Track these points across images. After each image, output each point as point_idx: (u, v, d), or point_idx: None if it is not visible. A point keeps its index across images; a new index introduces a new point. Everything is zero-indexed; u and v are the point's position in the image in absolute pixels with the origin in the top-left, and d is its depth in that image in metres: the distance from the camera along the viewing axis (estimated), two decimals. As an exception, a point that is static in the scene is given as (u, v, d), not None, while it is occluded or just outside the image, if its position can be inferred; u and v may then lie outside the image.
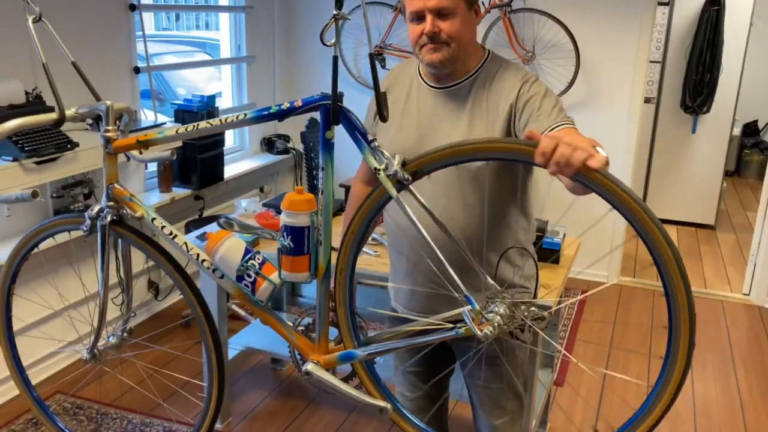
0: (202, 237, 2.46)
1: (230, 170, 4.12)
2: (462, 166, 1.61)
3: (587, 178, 1.06)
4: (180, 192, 3.70)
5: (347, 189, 1.31)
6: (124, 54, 3.41)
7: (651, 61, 5.24)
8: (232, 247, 1.46)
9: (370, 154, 1.27)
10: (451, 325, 1.27)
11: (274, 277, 1.43)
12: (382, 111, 1.29)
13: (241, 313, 3.15)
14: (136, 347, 3.11)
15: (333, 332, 1.45)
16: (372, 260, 2.41)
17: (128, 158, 1.69)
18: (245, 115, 1.38)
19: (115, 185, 1.58)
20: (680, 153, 5.49)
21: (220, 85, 4.62)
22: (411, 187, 1.28)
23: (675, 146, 5.48)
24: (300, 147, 4.53)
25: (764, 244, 4.14)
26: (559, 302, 2.28)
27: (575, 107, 4.23)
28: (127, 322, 1.74)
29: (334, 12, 1.21)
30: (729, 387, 3.26)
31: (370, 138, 1.27)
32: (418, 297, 1.73)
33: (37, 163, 2.65)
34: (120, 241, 1.64)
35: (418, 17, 1.57)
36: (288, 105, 1.33)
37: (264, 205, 2.91)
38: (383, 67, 4.28)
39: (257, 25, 4.40)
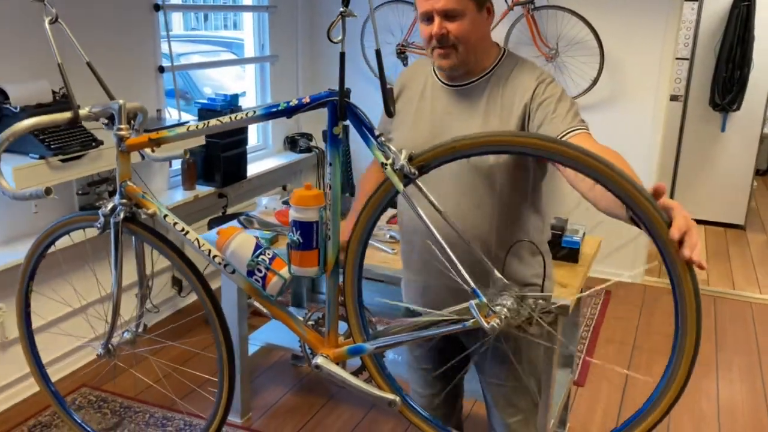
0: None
1: (253, 168, 4.16)
2: (475, 164, 1.61)
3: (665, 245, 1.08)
4: (203, 190, 3.75)
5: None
6: (149, 53, 3.46)
7: (678, 58, 5.16)
8: (242, 243, 1.48)
9: (377, 148, 1.28)
10: (458, 318, 1.27)
11: (284, 271, 1.45)
12: (388, 106, 1.29)
13: (263, 309, 3.17)
14: (153, 344, 3.16)
15: (344, 327, 1.46)
16: (389, 258, 2.42)
17: (142, 156, 1.72)
18: (255, 112, 1.40)
19: (128, 183, 1.60)
20: (709, 152, 5.39)
21: (245, 84, 4.67)
22: (419, 182, 1.28)
23: (703, 145, 5.39)
24: (322, 145, 4.56)
25: (794, 244, 4.05)
26: (578, 299, 2.27)
27: (599, 105, 4.18)
28: (141, 318, 1.76)
29: (341, 9, 1.21)
30: (755, 389, 3.20)
31: (377, 133, 1.28)
32: (430, 293, 1.73)
33: (63, 160, 2.70)
34: (134, 238, 1.66)
35: (428, 18, 1.58)
36: (296, 102, 1.35)
37: (284, 202, 2.93)
38: (405, 65, 4.29)
39: (281, 25, 4.43)
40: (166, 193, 3.66)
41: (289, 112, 1.36)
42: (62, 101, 2.91)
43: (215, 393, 1.70)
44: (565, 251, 2.46)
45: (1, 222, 2.86)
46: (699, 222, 5.48)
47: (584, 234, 2.59)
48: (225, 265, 1.51)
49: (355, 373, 1.47)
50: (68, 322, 3.06)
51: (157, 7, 3.45)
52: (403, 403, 1.39)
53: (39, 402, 2.90)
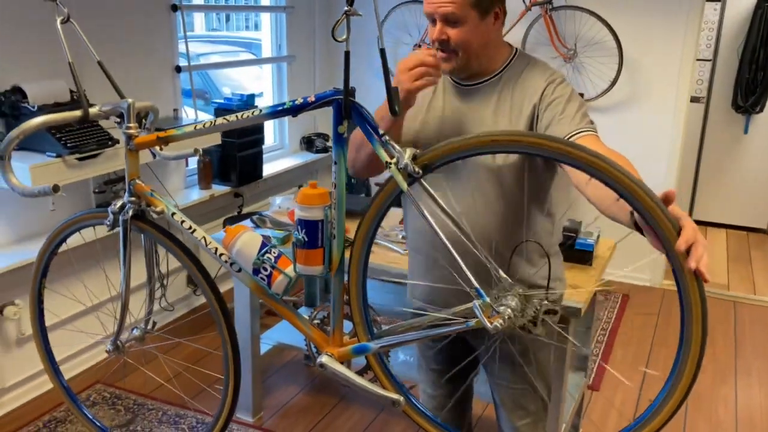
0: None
1: (270, 168, 4.18)
2: (484, 165, 1.60)
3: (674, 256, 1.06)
4: (219, 189, 3.77)
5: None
6: (167, 53, 3.49)
7: (700, 60, 5.10)
8: (248, 241, 1.47)
9: (381, 147, 1.27)
10: (463, 318, 1.26)
11: (290, 270, 1.44)
12: (393, 105, 1.29)
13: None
14: (165, 341, 3.18)
15: (351, 326, 1.46)
16: (400, 258, 2.41)
17: (154, 155, 1.73)
18: (261, 110, 1.40)
19: (137, 181, 1.61)
20: (731, 154, 5.31)
21: (264, 84, 4.69)
22: (423, 181, 1.27)
23: (726, 147, 5.31)
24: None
25: (817, 249, 3.98)
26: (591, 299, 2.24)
27: (618, 106, 4.14)
28: (151, 315, 1.77)
29: (345, 8, 1.21)
30: (774, 396, 3.14)
31: (381, 132, 1.27)
32: (437, 294, 1.72)
33: (80, 159, 2.73)
34: (142, 235, 1.67)
35: (432, 19, 1.58)
36: (302, 100, 1.34)
37: (297, 202, 2.93)
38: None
39: (298, 25, 4.44)
40: (182, 192, 3.69)
41: (295, 110, 1.35)
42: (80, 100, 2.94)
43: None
44: (579, 254, 2.44)
45: (20, 220, 2.90)
46: (721, 226, 5.43)
47: (598, 236, 2.56)
48: (231, 264, 1.51)
49: (361, 372, 1.46)
50: (83, 320, 3.09)
51: (174, 8, 3.47)
52: (407, 403, 1.38)
53: (54, 398, 2.93)
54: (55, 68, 2.84)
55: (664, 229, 1.06)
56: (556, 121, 1.55)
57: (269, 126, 4.54)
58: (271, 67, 4.47)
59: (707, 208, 5.47)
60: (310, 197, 1.35)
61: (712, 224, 5.49)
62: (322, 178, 4.83)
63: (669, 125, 4.06)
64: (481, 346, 1.83)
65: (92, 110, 1.62)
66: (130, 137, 1.60)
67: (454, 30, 1.55)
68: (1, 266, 2.69)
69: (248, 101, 3.83)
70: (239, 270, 1.51)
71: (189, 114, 3.71)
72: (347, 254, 1.36)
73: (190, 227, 1.56)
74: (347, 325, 1.40)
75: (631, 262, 4.19)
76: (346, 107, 1.28)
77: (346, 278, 1.39)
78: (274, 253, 1.47)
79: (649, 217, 1.07)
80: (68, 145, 2.69)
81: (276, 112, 1.39)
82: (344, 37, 1.22)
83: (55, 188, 1.50)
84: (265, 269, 1.45)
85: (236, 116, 1.43)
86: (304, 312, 3.22)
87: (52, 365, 1.95)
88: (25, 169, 2.55)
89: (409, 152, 1.24)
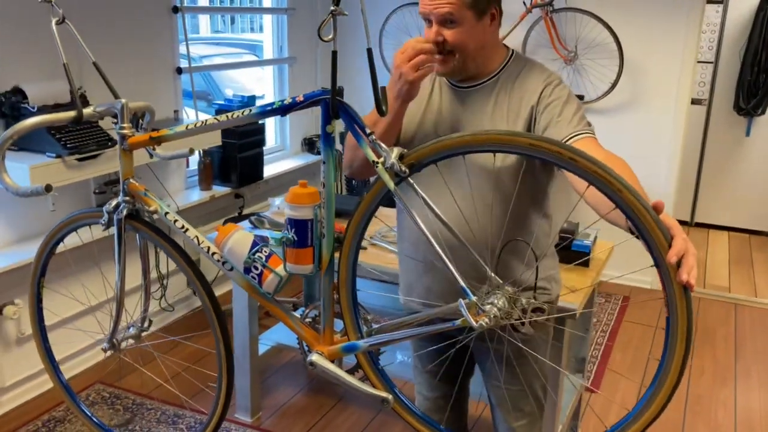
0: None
1: (271, 169, 4.19)
2: (481, 166, 1.60)
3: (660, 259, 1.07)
4: (220, 190, 3.78)
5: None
6: (167, 55, 3.51)
7: (701, 62, 5.09)
8: (240, 240, 1.48)
9: (369, 147, 1.28)
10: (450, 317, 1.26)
11: (280, 269, 1.45)
12: (380, 105, 1.29)
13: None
14: (166, 342, 3.19)
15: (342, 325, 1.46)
16: (396, 259, 2.41)
17: (150, 155, 1.74)
18: (251, 110, 1.41)
19: (131, 180, 1.62)
20: (733, 156, 5.30)
21: (266, 86, 4.70)
22: (411, 179, 1.28)
23: (727, 149, 5.30)
24: (340, 147, 4.56)
25: (819, 251, 3.96)
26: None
27: (619, 108, 4.14)
28: (146, 313, 1.78)
29: (332, 8, 1.22)
30: (774, 398, 3.13)
31: (368, 131, 1.28)
32: (433, 295, 1.72)
33: (79, 159, 2.75)
34: (137, 235, 1.69)
35: (428, 20, 1.57)
36: (290, 100, 1.35)
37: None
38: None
39: (299, 27, 4.46)
40: (182, 193, 3.70)
41: (284, 110, 1.36)
42: (80, 101, 2.96)
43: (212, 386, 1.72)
44: (576, 255, 2.44)
45: (19, 220, 2.92)
46: (722, 228, 5.41)
47: (596, 238, 2.56)
48: (223, 263, 1.52)
49: (352, 371, 1.47)
50: (84, 320, 3.10)
51: (175, 9, 3.49)
52: (396, 402, 1.39)
53: (53, 398, 2.95)
54: (55, 69, 2.85)
55: (655, 240, 1.06)
56: (554, 124, 1.55)
57: (270, 127, 4.56)
58: (273, 68, 4.49)
59: (709, 211, 5.46)
60: (299, 196, 1.36)
61: (714, 226, 5.48)
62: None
63: (669, 127, 4.05)
64: (479, 349, 1.83)
65: (86, 111, 1.64)
66: (124, 137, 1.62)
67: (450, 31, 1.55)
68: (1, 266, 2.71)
69: (249, 103, 3.84)
70: (231, 269, 1.52)
71: (190, 115, 3.73)
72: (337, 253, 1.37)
73: (183, 226, 1.57)
74: (339, 324, 1.41)
75: (632, 264, 4.19)
76: (333, 107, 1.28)
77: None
78: (266, 252, 1.48)
79: (641, 226, 1.07)
80: (68, 145, 2.71)
81: (265, 112, 1.40)
82: (330, 36, 1.23)
83: (48, 188, 1.51)
84: (256, 268, 1.46)
85: (227, 116, 1.44)
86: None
87: (51, 364, 1.97)
88: (24, 170, 2.57)
89: (396, 151, 1.25)
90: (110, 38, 3.17)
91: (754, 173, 5.26)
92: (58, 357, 2.02)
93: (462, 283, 1.21)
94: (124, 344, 1.79)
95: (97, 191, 3.16)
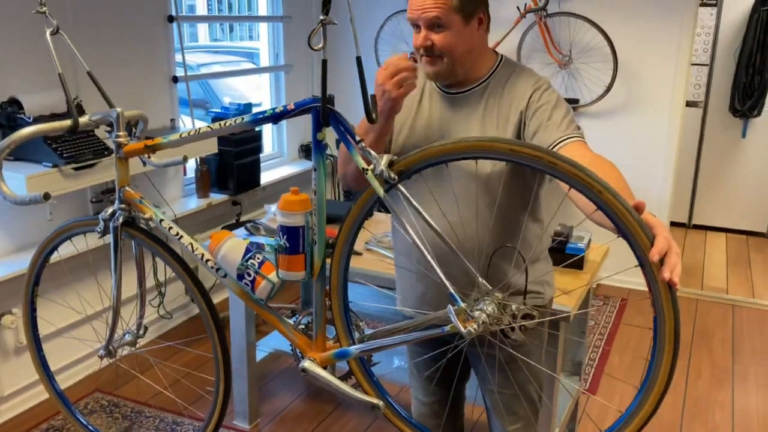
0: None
1: (268, 176, 4.21)
2: (473, 173, 1.61)
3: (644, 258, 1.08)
4: (217, 197, 3.79)
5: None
6: (163, 64, 3.53)
7: (696, 64, 5.12)
8: (233, 247, 1.50)
9: (359, 154, 1.29)
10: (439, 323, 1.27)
11: (273, 276, 1.46)
12: (369, 113, 1.31)
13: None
14: (165, 349, 3.20)
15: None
16: (392, 265, 2.42)
17: (144, 163, 1.76)
18: (243, 119, 1.42)
19: (127, 188, 1.64)
20: (730, 158, 5.31)
21: (264, 93, 4.72)
22: (401, 186, 1.29)
23: (724, 151, 5.31)
24: (337, 153, 4.59)
25: (815, 252, 3.97)
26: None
27: (614, 111, 4.15)
28: (142, 320, 1.80)
29: (321, 17, 1.23)
30: (771, 399, 3.14)
31: (358, 139, 1.29)
32: (428, 301, 1.74)
33: (76, 168, 2.77)
34: (133, 242, 1.70)
35: (416, 26, 1.59)
36: (282, 108, 1.37)
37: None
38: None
39: (295, 35, 4.48)
40: (180, 200, 3.72)
41: (275, 118, 1.38)
42: (76, 110, 2.98)
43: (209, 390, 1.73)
44: (570, 258, 2.45)
45: (17, 229, 2.93)
46: (720, 230, 5.42)
47: (590, 241, 2.57)
48: (217, 269, 1.54)
49: (345, 377, 1.48)
50: (81, 329, 3.11)
51: (171, 19, 3.51)
52: (387, 408, 1.39)
53: (52, 407, 2.95)
54: (51, 79, 2.86)
55: (637, 239, 1.07)
56: (543, 128, 1.56)
57: (268, 134, 4.58)
58: (269, 76, 4.51)
59: (706, 212, 5.47)
60: (291, 203, 1.37)
61: (712, 228, 5.49)
62: (321, 186, 4.86)
63: (665, 130, 4.07)
64: (473, 354, 1.84)
65: (82, 120, 1.66)
66: (119, 145, 1.63)
67: (438, 35, 1.56)
68: (-1, 275, 2.72)
69: (245, 110, 3.86)
70: (225, 275, 1.53)
71: (187, 123, 3.75)
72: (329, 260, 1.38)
73: (178, 234, 1.58)
74: (332, 331, 1.42)
75: (625, 265, 4.20)
76: (323, 114, 1.30)
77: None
78: (258, 258, 1.49)
79: (623, 226, 1.08)
80: (64, 155, 2.72)
81: (257, 120, 1.41)
82: (320, 45, 1.24)
83: (46, 196, 1.52)
84: (249, 275, 1.48)
85: (219, 124, 1.46)
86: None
87: (46, 373, 1.98)
88: (21, 179, 2.59)
89: (385, 159, 1.27)
90: (107, 47, 3.19)
91: (751, 174, 5.27)
92: (55, 366, 2.03)
93: (450, 290, 1.22)
94: (120, 351, 1.80)
95: (94, 200, 3.17)
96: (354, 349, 1.39)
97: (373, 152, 1.27)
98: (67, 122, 1.63)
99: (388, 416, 1.41)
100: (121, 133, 1.62)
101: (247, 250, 1.50)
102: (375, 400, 1.37)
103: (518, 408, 1.86)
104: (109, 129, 1.68)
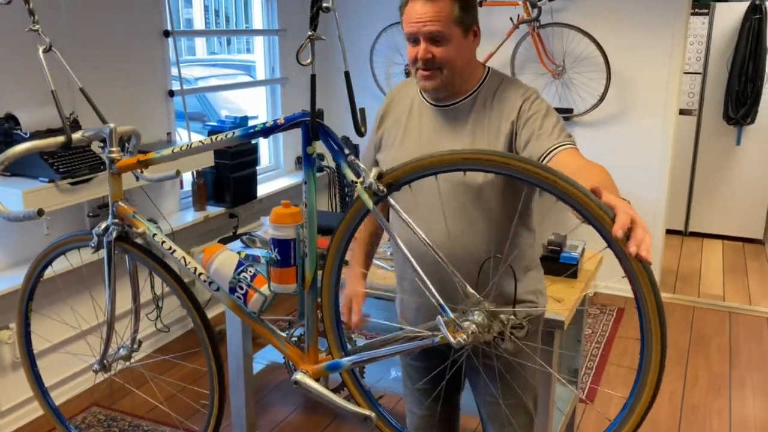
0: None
1: (265, 188, 4.23)
2: (465, 183, 1.62)
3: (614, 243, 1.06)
4: (214, 210, 3.81)
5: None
6: (160, 78, 3.55)
7: (689, 72, 5.15)
8: (225, 260, 1.51)
9: (348, 167, 1.31)
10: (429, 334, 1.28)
11: (265, 289, 1.47)
12: (358, 127, 1.32)
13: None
14: (162, 363, 3.20)
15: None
16: (389, 275, 2.44)
17: (137, 178, 1.77)
18: (234, 133, 1.44)
19: (120, 203, 1.65)
20: (725, 165, 5.34)
21: (261, 106, 4.74)
22: (391, 199, 1.30)
23: (719, 158, 5.34)
24: (334, 165, 4.61)
25: (810, 259, 3.98)
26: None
27: (608, 120, 4.18)
28: (136, 334, 1.80)
29: (309, 33, 1.25)
30: (768, 406, 3.14)
31: (346, 152, 1.31)
32: (424, 312, 1.75)
33: (72, 183, 2.78)
34: (126, 257, 1.71)
35: (414, 39, 1.59)
36: (272, 123, 1.38)
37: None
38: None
39: (291, 48, 4.50)
40: (177, 214, 3.73)
41: (265, 132, 1.40)
42: (72, 127, 3.00)
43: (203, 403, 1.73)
44: (564, 267, 2.46)
45: (14, 244, 2.94)
46: (717, 237, 5.43)
47: (583, 250, 2.58)
48: (210, 283, 1.55)
49: (338, 389, 1.49)
50: (77, 344, 3.12)
51: (167, 34, 3.54)
52: (379, 419, 1.40)
53: (51, 422, 2.95)
54: (48, 95, 2.85)
55: (599, 219, 1.06)
56: (535, 138, 1.58)
57: (264, 146, 4.60)
58: (265, 89, 4.53)
59: (703, 220, 5.49)
60: (282, 216, 1.39)
61: (708, 235, 5.51)
62: (319, 198, 4.86)
63: (659, 138, 4.09)
64: (468, 365, 1.84)
65: (75, 136, 1.67)
66: (112, 161, 1.64)
67: (439, 48, 1.57)
68: (-5, 291, 2.73)
69: (241, 124, 3.88)
70: (217, 289, 1.54)
71: (183, 137, 3.77)
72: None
73: (170, 248, 1.59)
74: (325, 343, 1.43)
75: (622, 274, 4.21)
76: (313, 129, 1.32)
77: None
78: (250, 272, 1.50)
79: (584, 210, 1.07)
80: (60, 170, 2.74)
81: (248, 135, 1.43)
82: (309, 61, 1.26)
83: (40, 212, 1.54)
84: (241, 288, 1.49)
85: (211, 139, 1.47)
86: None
87: (40, 389, 1.98)
88: (18, 195, 2.60)
89: (374, 171, 1.28)
90: (103, 62, 3.21)
91: (746, 181, 5.29)
92: (51, 381, 2.04)
93: (440, 301, 1.23)
94: (115, 366, 1.81)
95: (90, 214, 3.18)
96: (346, 361, 1.39)
97: (362, 165, 1.29)
98: (61, 138, 1.65)
99: (381, 428, 1.41)
100: (113, 149, 1.63)
101: (239, 264, 1.51)
102: (367, 412, 1.38)
103: (514, 418, 1.86)
104: (102, 144, 1.69)
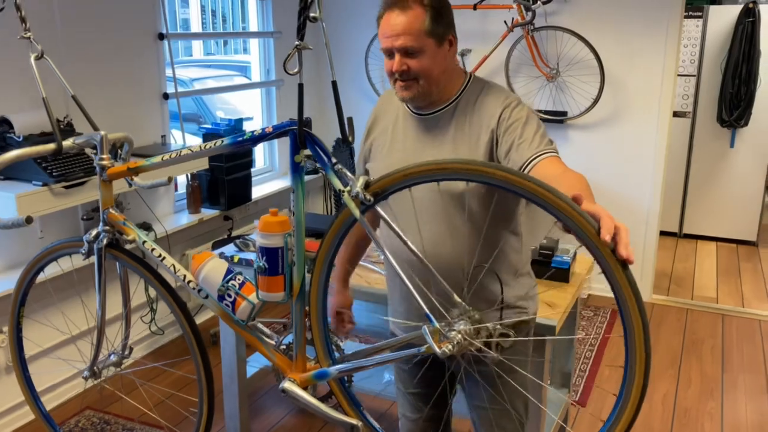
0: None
1: (260, 191, 4.23)
2: (447, 191, 1.63)
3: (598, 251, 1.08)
4: (208, 213, 3.81)
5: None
6: (154, 81, 3.56)
7: (683, 75, 5.17)
8: (214, 268, 1.52)
9: (335, 176, 1.31)
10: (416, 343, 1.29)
11: (253, 297, 1.48)
12: (345, 135, 1.33)
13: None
14: (153, 369, 3.20)
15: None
16: (380, 279, 2.45)
17: (130, 184, 1.78)
18: (223, 141, 1.45)
19: (110, 210, 1.66)
20: (719, 168, 5.35)
21: (256, 107, 4.75)
22: (379, 208, 1.31)
23: (713, 161, 5.35)
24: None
25: (803, 261, 3.99)
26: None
27: (602, 123, 4.19)
28: (127, 340, 1.81)
29: (296, 43, 1.26)
30: (761, 409, 3.15)
31: (333, 161, 1.31)
32: (413, 319, 1.75)
33: (66, 187, 2.78)
34: (117, 263, 1.72)
35: (389, 54, 1.61)
36: (260, 131, 1.39)
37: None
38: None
39: (286, 50, 4.50)
40: (171, 216, 3.73)
41: (253, 141, 1.40)
42: (66, 130, 3.00)
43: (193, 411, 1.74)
44: (555, 271, 2.47)
45: (9, 248, 2.94)
46: (710, 239, 5.45)
47: (575, 254, 2.59)
48: (199, 290, 1.55)
49: (326, 397, 1.49)
50: (67, 349, 3.12)
51: (161, 36, 3.54)
52: (366, 428, 1.41)
53: (42, 427, 2.96)
54: (41, 98, 2.90)
55: (582, 228, 1.07)
56: (516, 146, 1.58)
57: (259, 148, 4.60)
58: (260, 91, 4.54)
59: (696, 222, 5.50)
60: (270, 225, 1.39)
61: (702, 237, 5.53)
62: (313, 200, 4.88)
63: (653, 140, 4.10)
64: (456, 368, 1.85)
65: (66, 143, 1.68)
66: (103, 168, 1.65)
67: (413, 60, 1.59)
68: (-12, 295, 2.74)
69: (236, 126, 3.88)
70: (206, 296, 1.55)
71: (178, 139, 3.77)
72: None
73: (160, 255, 1.60)
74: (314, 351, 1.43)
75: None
76: (300, 137, 1.32)
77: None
78: (239, 279, 1.51)
79: (567, 219, 1.08)
80: (54, 173, 2.74)
81: (237, 143, 1.44)
82: (296, 70, 1.27)
83: (28, 220, 1.54)
84: (230, 296, 1.49)
85: (200, 146, 1.48)
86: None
87: (32, 394, 1.98)
88: (11, 199, 2.60)
89: (361, 180, 1.29)
90: (97, 65, 3.21)
91: (740, 184, 5.31)
92: (46, 385, 2.04)
93: (425, 309, 1.24)
94: (105, 372, 1.81)
95: (85, 217, 3.19)
96: (333, 369, 1.40)
97: (349, 174, 1.29)
98: (51, 146, 1.65)
99: (368, 435, 1.42)
100: (104, 156, 1.64)
101: (228, 272, 1.52)
102: (354, 421, 1.39)
103: (506, 423, 1.87)
104: (94, 151, 1.70)
